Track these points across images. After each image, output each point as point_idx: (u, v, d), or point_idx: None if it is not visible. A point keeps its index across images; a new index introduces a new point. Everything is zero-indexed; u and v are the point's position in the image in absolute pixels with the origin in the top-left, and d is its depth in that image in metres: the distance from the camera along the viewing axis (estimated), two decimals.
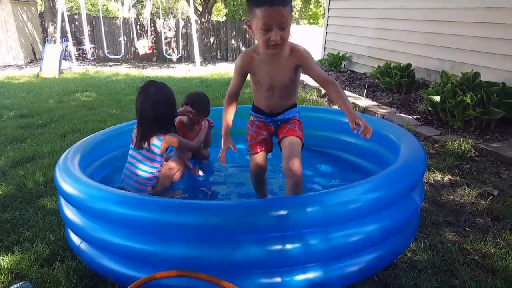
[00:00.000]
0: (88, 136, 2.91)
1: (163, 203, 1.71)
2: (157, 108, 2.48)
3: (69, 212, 2.02)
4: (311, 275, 1.66)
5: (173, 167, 2.75)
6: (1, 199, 2.75)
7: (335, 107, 5.56)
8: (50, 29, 15.21)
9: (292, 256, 1.62)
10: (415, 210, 2.07)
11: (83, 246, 1.95)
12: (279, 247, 1.61)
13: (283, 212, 1.60)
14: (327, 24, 9.37)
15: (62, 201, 2.13)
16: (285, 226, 1.60)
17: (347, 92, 6.10)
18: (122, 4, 19.80)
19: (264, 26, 1.82)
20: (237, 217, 1.61)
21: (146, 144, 2.52)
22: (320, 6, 21.55)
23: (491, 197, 2.65)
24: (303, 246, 1.61)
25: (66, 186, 1.97)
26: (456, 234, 2.21)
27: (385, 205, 1.81)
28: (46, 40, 13.10)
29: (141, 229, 1.72)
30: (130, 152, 2.61)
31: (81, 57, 15.24)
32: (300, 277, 1.66)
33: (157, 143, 2.53)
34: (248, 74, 2.21)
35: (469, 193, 2.73)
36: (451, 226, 2.30)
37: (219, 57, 17.56)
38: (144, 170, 2.56)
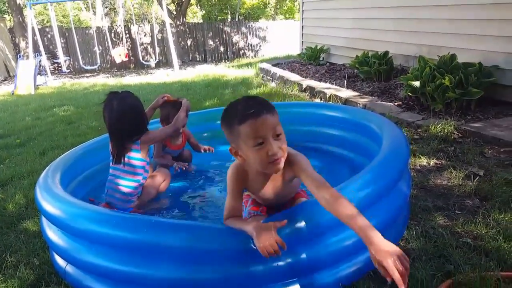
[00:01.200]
0: (68, 152, 2.84)
1: (151, 222, 1.66)
2: (123, 120, 2.40)
3: (52, 234, 1.95)
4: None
5: (158, 178, 2.69)
6: None
7: (317, 100, 5.55)
8: (22, 44, 14.90)
9: (285, 268, 1.57)
10: (405, 200, 2.06)
11: (69, 268, 1.88)
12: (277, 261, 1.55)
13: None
14: (302, 18, 9.37)
15: (45, 222, 2.06)
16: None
17: (327, 84, 6.10)
18: (94, 13, 19.50)
19: (256, 142, 1.50)
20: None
21: (123, 159, 2.46)
22: (295, 0, 21.59)
23: (477, 178, 2.66)
24: (296, 257, 1.57)
25: (47, 205, 1.90)
26: (447, 218, 2.21)
27: (373, 201, 1.77)
28: (18, 56, 12.81)
29: (127, 249, 1.66)
30: (111, 166, 2.54)
31: (57, 70, 14.96)
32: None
33: (135, 155, 2.47)
34: None
35: (455, 175, 2.74)
36: (441, 210, 2.30)
37: (198, 59, 17.44)
38: (126, 185, 2.50)
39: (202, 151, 3.20)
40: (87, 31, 15.76)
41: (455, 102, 4.04)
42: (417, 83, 4.27)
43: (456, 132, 3.55)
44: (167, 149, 3.11)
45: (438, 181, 2.71)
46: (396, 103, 4.67)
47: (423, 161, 3.05)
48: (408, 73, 4.68)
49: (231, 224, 1.64)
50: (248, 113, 1.49)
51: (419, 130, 3.78)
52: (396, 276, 1.16)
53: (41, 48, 12.36)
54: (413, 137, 3.62)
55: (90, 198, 2.58)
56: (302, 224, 1.55)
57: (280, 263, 1.55)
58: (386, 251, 1.21)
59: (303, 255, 1.58)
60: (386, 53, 5.87)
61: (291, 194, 1.97)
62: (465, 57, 4.33)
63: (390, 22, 6.18)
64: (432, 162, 3.02)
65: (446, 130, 3.54)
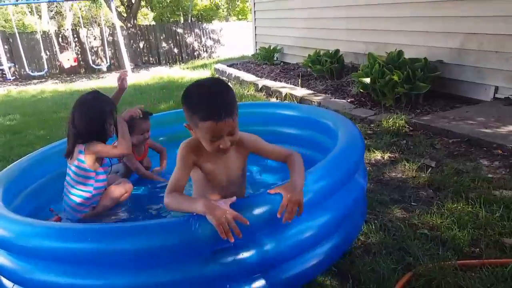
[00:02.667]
0: (12, 164, 2.65)
1: (96, 230, 1.58)
2: (82, 120, 2.35)
3: None
4: (262, 282, 1.59)
5: (118, 190, 2.54)
6: None
7: (273, 99, 5.58)
8: None
9: (244, 265, 1.54)
10: (361, 193, 2.09)
11: None
12: (228, 257, 1.52)
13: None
14: (255, 19, 9.41)
15: None
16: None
17: (282, 83, 6.16)
18: (40, 17, 18.63)
19: (211, 138, 1.57)
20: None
21: (72, 157, 2.35)
22: (246, 1, 21.65)
23: (430, 169, 2.77)
24: (256, 252, 1.54)
25: None
26: (404, 210, 2.27)
27: (331, 193, 1.79)
28: None
29: (76, 262, 1.57)
30: (67, 170, 2.42)
31: (1, 78, 14.13)
32: (256, 285, 1.58)
33: (81, 157, 2.36)
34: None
35: (409, 167, 2.83)
36: (398, 203, 2.37)
37: (152, 61, 17.07)
38: (77, 194, 2.38)
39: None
40: (32, 36, 15.00)
41: (404, 96, 4.19)
42: (367, 80, 4.39)
43: (407, 126, 3.68)
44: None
45: (393, 174, 2.80)
46: (349, 100, 4.78)
47: (378, 155, 3.14)
48: (359, 70, 4.81)
49: (174, 200, 1.60)
50: (211, 116, 1.51)
51: (372, 125, 3.89)
52: (291, 207, 1.48)
53: None
54: (366, 132, 3.72)
55: (50, 209, 2.47)
56: (259, 212, 1.53)
57: (240, 256, 1.52)
58: (294, 198, 1.50)
59: (266, 247, 1.56)
60: (337, 51, 6.00)
61: (241, 181, 1.94)
62: (411, 53, 4.52)
63: (339, 21, 6.34)
64: (386, 156, 3.12)
65: (397, 124, 3.66)
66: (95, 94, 2.48)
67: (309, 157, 3.04)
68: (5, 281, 1.83)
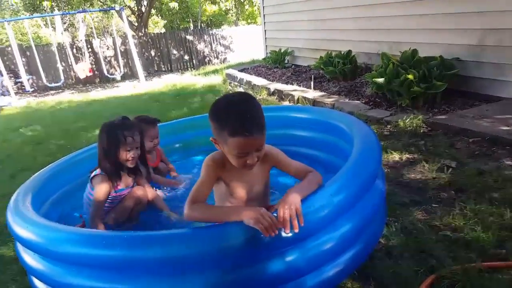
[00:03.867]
0: (38, 172, 2.73)
1: (127, 238, 1.60)
2: (98, 145, 2.42)
3: (29, 258, 1.86)
4: None
5: (132, 200, 2.54)
6: None
7: (286, 103, 5.59)
8: None
9: (267, 278, 1.54)
10: (381, 198, 2.07)
11: None
12: (250, 269, 1.53)
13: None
14: (264, 22, 9.43)
15: (20, 247, 1.97)
16: (255, 247, 1.51)
17: (294, 86, 6.16)
18: (54, 29, 18.98)
19: (239, 154, 1.58)
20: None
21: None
22: (255, 5, 21.69)
23: (450, 170, 2.73)
24: (280, 264, 1.54)
25: (20, 230, 1.82)
26: (425, 212, 2.25)
27: (350, 205, 1.74)
28: None
29: (106, 268, 1.60)
30: None
31: (20, 90, 14.43)
32: None
33: (90, 190, 2.45)
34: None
35: (429, 168, 2.80)
36: (418, 204, 2.35)
37: (164, 69, 17.24)
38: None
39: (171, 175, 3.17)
40: (48, 48, 15.30)
41: (421, 96, 4.15)
42: (381, 80, 4.36)
43: (425, 126, 3.65)
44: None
45: (412, 175, 2.77)
46: (363, 101, 4.75)
47: (395, 156, 3.12)
48: (373, 70, 4.78)
49: (199, 210, 1.61)
50: (240, 131, 1.51)
51: (389, 126, 3.86)
52: (285, 215, 1.42)
53: (2, 68, 11.90)
54: (383, 133, 3.69)
55: (80, 215, 2.56)
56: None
57: (264, 268, 1.52)
58: (287, 206, 1.45)
59: (289, 258, 1.56)
60: (349, 52, 5.98)
61: (264, 195, 1.94)
62: (426, 51, 4.47)
63: (350, 21, 6.31)
64: (404, 157, 3.09)
65: (415, 124, 3.63)
66: (114, 121, 2.46)
67: (324, 161, 3.05)
68: (38, 284, 1.88)
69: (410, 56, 4.34)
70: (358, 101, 4.78)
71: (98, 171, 2.43)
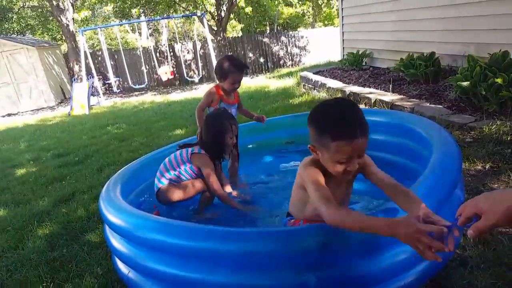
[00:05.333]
0: (125, 167, 3.00)
1: (208, 231, 1.71)
2: (205, 132, 2.81)
3: (116, 242, 2.06)
4: None
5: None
6: (48, 239, 2.86)
7: (361, 106, 5.48)
8: (76, 68, 15.88)
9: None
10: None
11: (131, 275, 1.99)
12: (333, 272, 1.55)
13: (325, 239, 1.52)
14: (342, 24, 9.30)
15: (108, 231, 2.19)
16: (329, 252, 1.54)
17: (370, 89, 6.01)
18: (140, 34, 20.39)
19: (341, 159, 1.49)
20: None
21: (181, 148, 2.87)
22: (332, 7, 21.44)
23: None
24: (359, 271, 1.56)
25: (111, 216, 2.02)
26: None
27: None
28: (73, 79, 13.67)
29: (187, 257, 1.72)
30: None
31: (108, 91, 15.76)
32: None
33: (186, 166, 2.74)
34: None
35: None
36: None
37: None
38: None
39: (254, 119, 3.40)
40: (134, 52, 16.51)
41: (510, 101, 3.85)
42: (467, 84, 4.11)
43: None
44: (223, 104, 3.15)
45: (495, 185, 2.60)
46: (445, 105, 4.50)
47: (478, 165, 2.93)
48: (457, 73, 4.52)
49: (351, 217, 1.38)
50: (345, 133, 1.44)
51: (472, 132, 3.63)
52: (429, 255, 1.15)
53: (93, 71, 13.09)
54: (465, 140, 3.48)
55: (154, 206, 2.77)
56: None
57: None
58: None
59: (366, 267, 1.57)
60: (433, 54, 5.70)
61: (346, 200, 1.88)
62: None
63: (434, 22, 6.01)
64: (487, 166, 2.90)
65: (501, 131, 3.38)
66: (218, 111, 2.88)
67: (401, 165, 2.96)
68: (122, 267, 2.07)
69: (500, 59, 4.04)
70: (440, 106, 4.54)
71: (196, 149, 2.74)
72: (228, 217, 2.73)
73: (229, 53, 17.31)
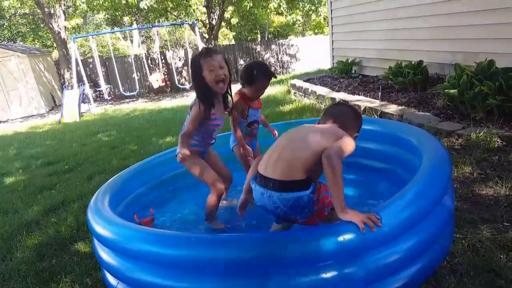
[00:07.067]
0: (115, 176, 2.97)
1: (194, 240, 1.71)
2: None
3: (104, 254, 2.05)
4: None
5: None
6: (37, 249, 2.82)
7: None
8: (67, 75, 15.81)
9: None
10: (449, 215, 1.99)
11: (120, 286, 1.97)
12: (313, 277, 1.56)
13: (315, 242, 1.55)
14: (332, 32, 9.40)
15: (96, 242, 2.17)
16: (317, 256, 1.56)
17: (360, 97, 6.06)
18: (132, 42, 20.37)
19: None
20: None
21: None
22: (320, 15, 21.60)
23: None
24: (340, 274, 1.56)
25: (100, 228, 2.01)
26: (495, 231, 2.13)
27: (418, 219, 1.71)
28: (63, 86, 13.61)
29: (174, 266, 1.72)
30: None
31: (99, 98, 15.70)
32: None
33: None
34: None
35: (502, 185, 2.65)
36: (488, 222, 2.23)
37: (231, 78, 17.74)
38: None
39: (268, 129, 3.37)
40: (125, 59, 16.48)
41: (497, 109, 3.91)
42: (454, 92, 4.17)
43: (499, 140, 3.43)
44: (251, 110, 3.07)
45: (483, 192, 2.63)
46: (433, 113, 4.57)
47: (466, 171, 2.97)
48: (445, 81, 4.59)
49: (339, 175, 1.68)
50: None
51: (460, 139, 3.68)
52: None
53: (84, 78, 13.03)
54: (454, 147, 3.53)
55: (135, 215, 2.71)
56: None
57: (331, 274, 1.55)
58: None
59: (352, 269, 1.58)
60: (421, 62, 5.78)
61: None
62: (504, 62, 4.21)
63: (423, 31, 6.10)
64: (475, 173, 2.94)
65: (488, 139, 3.43)
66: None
67: (391, 173, 2.99)
68: (110, 279, 2.06)
69: (486, 67, 4.11)
70: (429, 113, 4.60)
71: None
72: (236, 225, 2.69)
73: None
